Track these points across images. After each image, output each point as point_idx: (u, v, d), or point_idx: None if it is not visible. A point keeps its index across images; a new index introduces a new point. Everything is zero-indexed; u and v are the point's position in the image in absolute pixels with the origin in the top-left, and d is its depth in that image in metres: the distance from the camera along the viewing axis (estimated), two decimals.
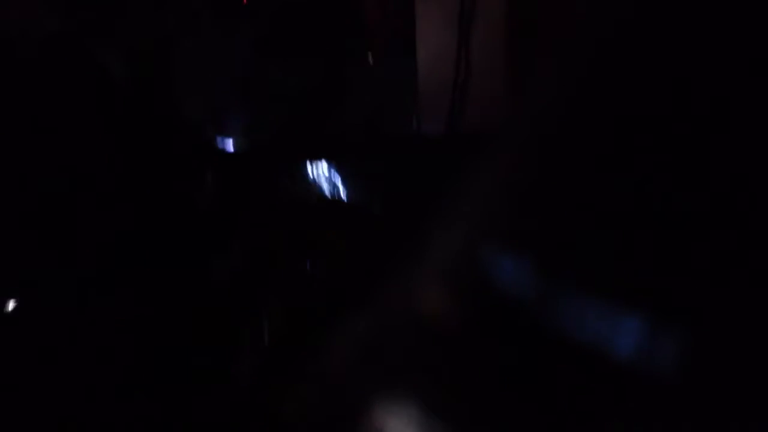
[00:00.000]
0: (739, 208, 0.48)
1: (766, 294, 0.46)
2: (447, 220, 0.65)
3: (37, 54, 1.52)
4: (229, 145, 1.65)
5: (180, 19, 1.63)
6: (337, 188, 1.56)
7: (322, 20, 1.67)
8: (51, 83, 1.49)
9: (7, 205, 1.48)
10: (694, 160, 0.50)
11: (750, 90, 0.50)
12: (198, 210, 1.56)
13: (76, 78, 1.53)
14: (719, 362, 0.47)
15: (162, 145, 1.57)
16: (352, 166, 1.59)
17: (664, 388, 0.48)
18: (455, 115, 1.66)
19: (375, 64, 1.68)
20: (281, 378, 1.48)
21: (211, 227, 1.56)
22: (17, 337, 1.45)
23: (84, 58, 1.55)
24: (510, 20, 1.61)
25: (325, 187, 1.56)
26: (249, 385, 1.51)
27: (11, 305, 1.46)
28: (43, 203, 1.49)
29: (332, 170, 1.57)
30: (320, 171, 1.57)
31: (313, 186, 1.56)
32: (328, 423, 0.65)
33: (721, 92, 0.51)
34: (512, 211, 0.59)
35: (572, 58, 0.61)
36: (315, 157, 1.58)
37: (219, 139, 1.65)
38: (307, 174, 1.57)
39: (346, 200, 1.56)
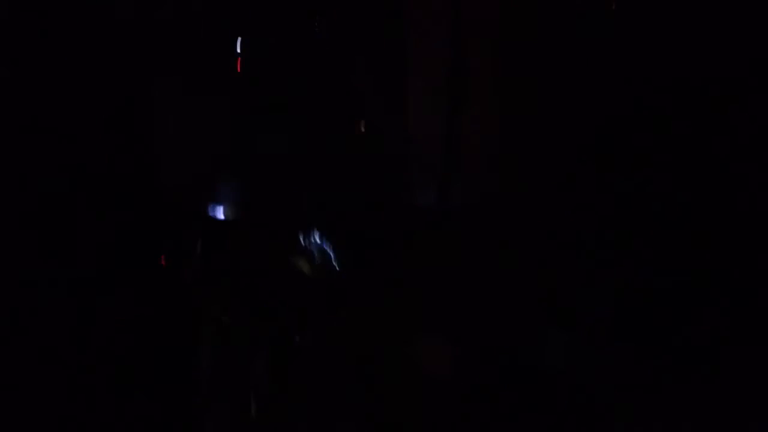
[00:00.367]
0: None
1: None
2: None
3: None
4: (220, 212, 1.63)
5: (170, 87, 1.63)
6: (327, 255, 1.57)
7: (314, 90, 1.67)
8: None
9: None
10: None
11: (750, 90, 0.50)
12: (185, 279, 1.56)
13: None
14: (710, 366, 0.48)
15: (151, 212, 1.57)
16: (343, 233, 1.59)
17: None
18: (445, 186, 1.67)
19: (366, 133, 1.67)
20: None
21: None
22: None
23: None
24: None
25: (315, 254, 1.57)
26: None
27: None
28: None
29: (323, 238, 1.57)
30: (311, 238, 1.57)
31: (304, 253, 1.57)
32: None
33: (721, 92, 0.51)
34: None
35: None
36: (305, 226, 1.58)
37: (209, 206, 1.64)
38: (299, 241, 1.57)
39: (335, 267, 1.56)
